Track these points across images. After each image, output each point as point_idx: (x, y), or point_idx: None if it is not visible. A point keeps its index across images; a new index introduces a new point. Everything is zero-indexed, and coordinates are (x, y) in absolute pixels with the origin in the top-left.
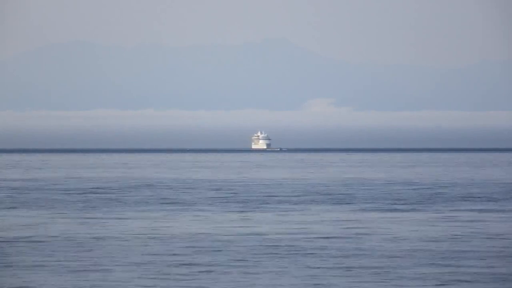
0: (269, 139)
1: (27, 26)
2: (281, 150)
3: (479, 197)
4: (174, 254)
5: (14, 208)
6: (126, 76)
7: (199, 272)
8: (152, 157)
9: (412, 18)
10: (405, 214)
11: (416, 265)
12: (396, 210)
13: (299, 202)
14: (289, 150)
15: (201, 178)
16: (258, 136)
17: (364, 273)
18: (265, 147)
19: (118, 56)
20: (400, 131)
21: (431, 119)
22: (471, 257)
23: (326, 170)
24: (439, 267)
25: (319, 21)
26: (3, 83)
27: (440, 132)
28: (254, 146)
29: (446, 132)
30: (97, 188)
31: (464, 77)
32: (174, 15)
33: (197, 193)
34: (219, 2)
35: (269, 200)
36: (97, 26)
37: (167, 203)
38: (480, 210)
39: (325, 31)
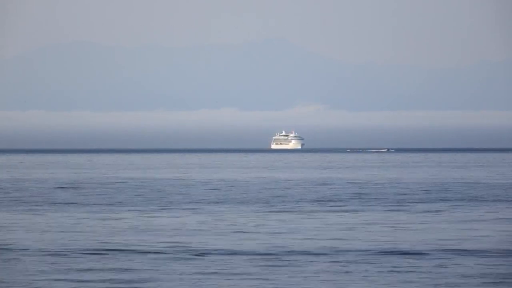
0: (303, 139)
1: (27, 26)
2: (388, 151)
3: None
4: None
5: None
6: (129, 77)
7: None
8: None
9: (412, 18)
10: None
11: None
12: None
13: None
14: (398, 150)
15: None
16: (287, 136)
17: None
18: (299, 147)
19: (120, 56)
20: (403, 130)
21: (430, 119)
22: None
23: None
24: None
25: (319, 22)
26: (4, 83)
27: (444, 132)
28: (275, 146)
29: (448, 132)
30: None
31: (464, 77)
32: (174, 15)
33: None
34: (219, 2)
35: None
36: (98, 26)
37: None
38: None
39: (326, 31)
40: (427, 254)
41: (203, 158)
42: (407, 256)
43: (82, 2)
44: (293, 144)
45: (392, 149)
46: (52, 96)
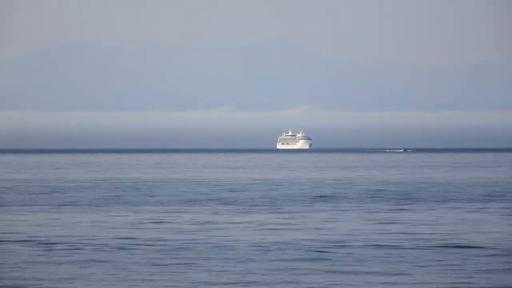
0: (310, 139)
1: (28, 26)
2: (405, 151)
3: None
4: None
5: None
6: (131, 77)
7: None
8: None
9: (413, 18)
10: None
11: None
12: None
13: None
14: (417, 151)
15: None
16: (294, 136)
17: None
18: (307, 147)
19: (121, 56)
20: (407, 131)
21: (431, 119)
22: None
23: None
24: None
25: (320, 22)
26: (5, 84)
27: (445, 133)
28: (281, 146)
29: (451, 132)
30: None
31: (464, 77)
32: (174, 16)
33: None
34: (219, 2)
35: None
36: (97, 26)
37: None
38: None
39: (327, 32)
40: None
41: (252, 159)
42: None
43: (82, 2)
44: (300, 144)
45: (409, 149)
46: (52, 96)
